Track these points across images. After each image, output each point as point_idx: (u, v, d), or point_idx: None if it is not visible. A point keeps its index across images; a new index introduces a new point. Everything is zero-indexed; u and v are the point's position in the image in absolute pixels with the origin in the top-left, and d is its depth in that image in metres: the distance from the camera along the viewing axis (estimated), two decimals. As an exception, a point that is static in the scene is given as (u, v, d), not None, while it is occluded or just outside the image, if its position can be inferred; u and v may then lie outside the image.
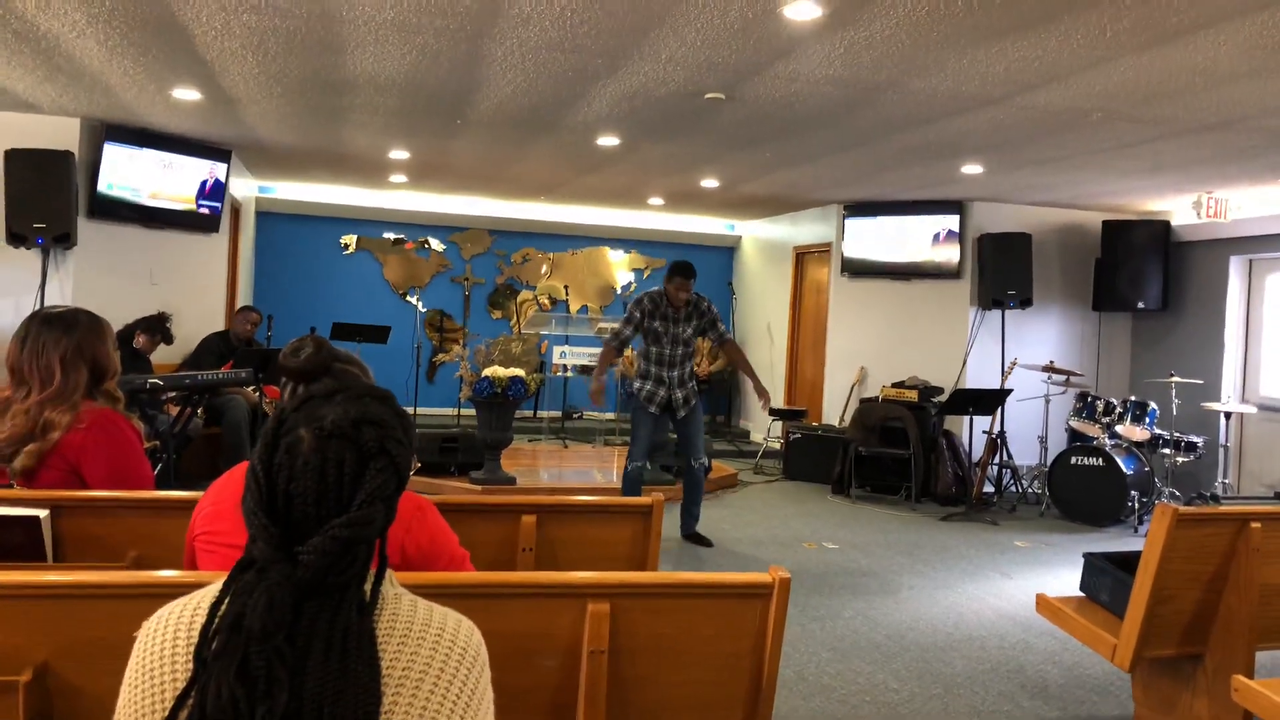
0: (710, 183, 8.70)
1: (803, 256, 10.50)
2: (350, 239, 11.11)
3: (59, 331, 2.60)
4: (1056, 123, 5.63)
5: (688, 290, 5.92)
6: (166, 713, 1.11)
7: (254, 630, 1.08)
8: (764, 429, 10.13)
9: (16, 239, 6.33)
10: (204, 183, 7.69)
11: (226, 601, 1.13)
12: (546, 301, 11.67)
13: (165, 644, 1.17)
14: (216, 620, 1.12)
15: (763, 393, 6.30)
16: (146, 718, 1.13)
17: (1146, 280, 8.52)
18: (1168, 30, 3.95)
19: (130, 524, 2.44)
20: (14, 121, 6.58)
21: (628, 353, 8.82)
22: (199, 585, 1.26)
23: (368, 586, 1.18)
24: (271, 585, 1.11)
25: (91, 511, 2.43)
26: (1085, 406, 7.85)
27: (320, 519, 1.14)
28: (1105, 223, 8.71)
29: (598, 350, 9.78)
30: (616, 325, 6.16)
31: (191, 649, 1.13)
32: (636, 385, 6.13)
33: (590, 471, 8.22)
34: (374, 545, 1.19)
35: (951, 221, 8.79)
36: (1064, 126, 5.71)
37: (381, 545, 1.22)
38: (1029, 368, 8.09)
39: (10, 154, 6.31)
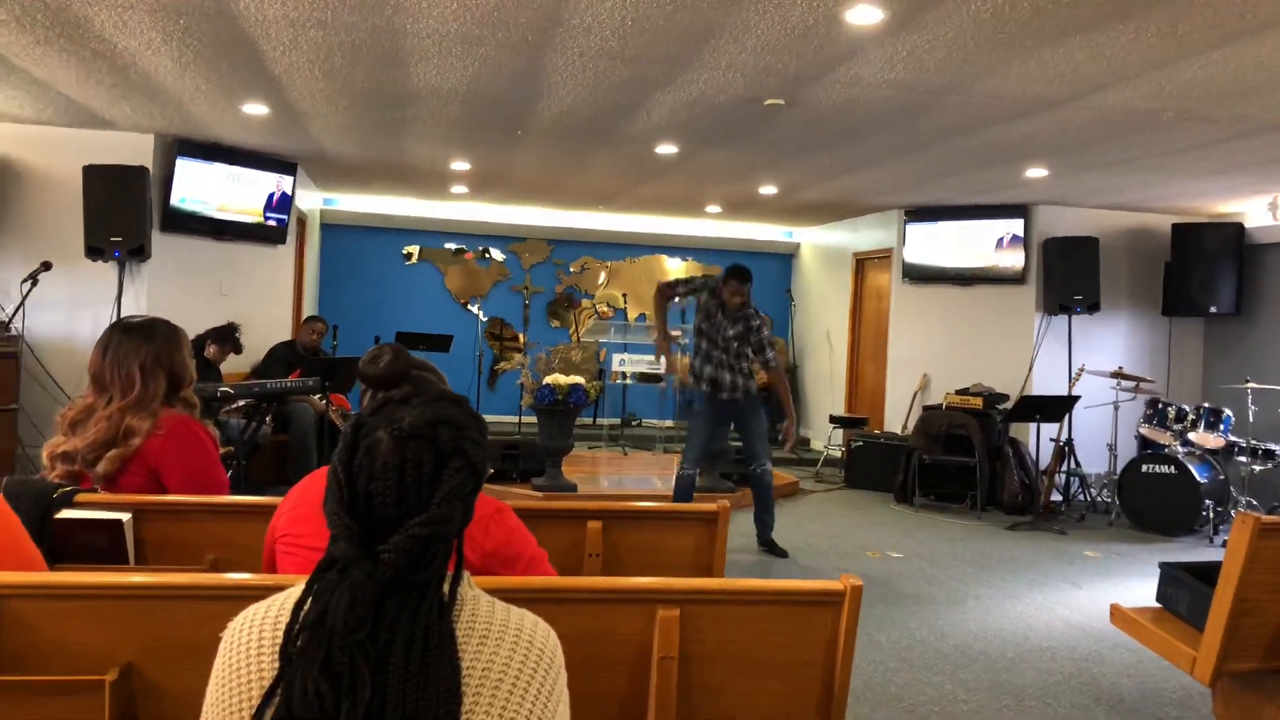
0: (769, 189, 8.66)
1: (863, 263, 10.40)
2: (412, 249, 11.27)
3: (139, 340, 2.67)
4: (1125, 124, 5.51)
5: (741, 295, 6.03)
6: (253, 710, 1.13)
7: (337, 627, 1.10)
8: (824, 437, 10.05)
9: (95, 252, 6.52)
10: (271, 195, 7.86)
11: (310, 600, 1.16)
12: (605, 310, 11.72)
13: (250, 643, 1.19)
14: (300, 618, 1.14)
15: (789, 432, 6.32)
16: (233, 716, 1.16)
17: (1219, 284, 8.29)
18: (1243, 26, 3.85)
19: (208, 528, 2.50)
20: (91, 138, 6.79)
21: (684, 360, 8.81)
22: (277, 588, 1.29)
23: (446, 587, 1.19)
24: (354, 583, 1.13)
25: (171, 515, 2.48)
26: (1156, 413, 7.66)
27: (400, 518, 1.17)
28: (1175, 225, 8.50)
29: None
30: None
31: (276, 648, 1.15)
32: (692, 381, 6.22)
33: (650, 479, 8.23)
34: (452, 544, 1.21)
35: (1015, 226, 8.65)
36: (1133, 128, 5.59)
37: (459, 546, 1.23)
38: (1097, 374, 7.91)
39: (89, 170, 6.50)
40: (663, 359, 6.20)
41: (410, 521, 1.16)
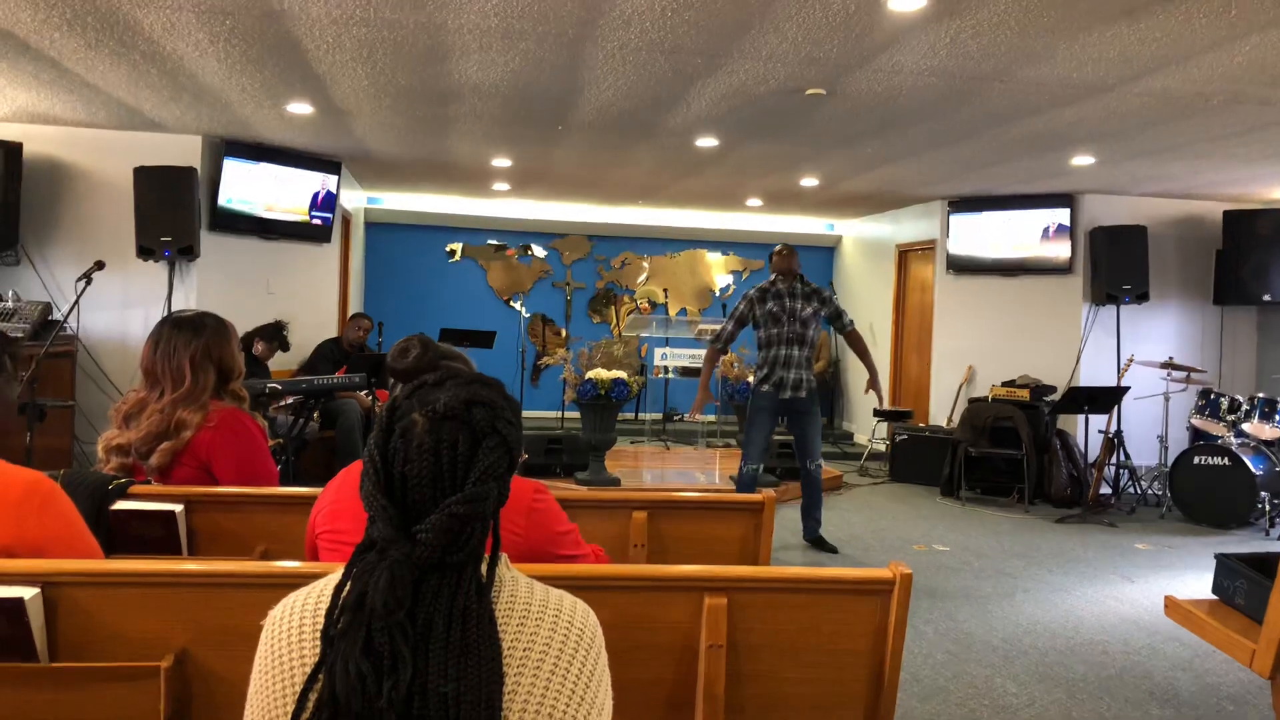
0: (810, 181, 8.61)
1: (906, 254, 10.30)
2: (455, 247, 11.35)
3: (188, 334, 2.71)
4: (1174, 109, 5.40)
5: (791, 257, 5.97)
6: (296, 695, 1.14)
7: (376, 608, 1.11)
8: (868, 431, 9.97)
9: (146, 252, 6.64)
10: (316, 194, 7.95)
11: (349, 583, 1.16)
12: (646, 305, 11.72)
13: (291, 629, 1.20)
14: (341, 600, 1.15)
15: (877, 388, 6.19)
16: (278, 702, 1.16)
17: (1272, 271, 8.11)
18: (1299, 5, 3.75)
19: (258, 519, 2.53)
20: (141, 140, 6.91)
21: (729, 355, 8.79)
22: (327, 575, 1.30)
23: (484, 568, 1.19)
24: (392, 564, 1.13)
25: (222, 506, 2.52)
26: (1208, 404, 7.51)
27: (436, 499, 1.17)
28: (1226, 213, 8.33)
29: (698, 352, 9.79)
30: (719, 326, 6.13)
31: (317, 632, 1.16)
32: (753, 379, 6.11)
33: (693, 473, 8.22)
34: (488, 524, 1.21)
35: (1062, 215, 8.52)
36: (1182, 113, 5.48)
37: (495, 527, 1.24)
38: (1146, 364, 7.77)
39: (139, 171, 6.62)
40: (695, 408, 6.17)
41: (446, 501, 1.16)
